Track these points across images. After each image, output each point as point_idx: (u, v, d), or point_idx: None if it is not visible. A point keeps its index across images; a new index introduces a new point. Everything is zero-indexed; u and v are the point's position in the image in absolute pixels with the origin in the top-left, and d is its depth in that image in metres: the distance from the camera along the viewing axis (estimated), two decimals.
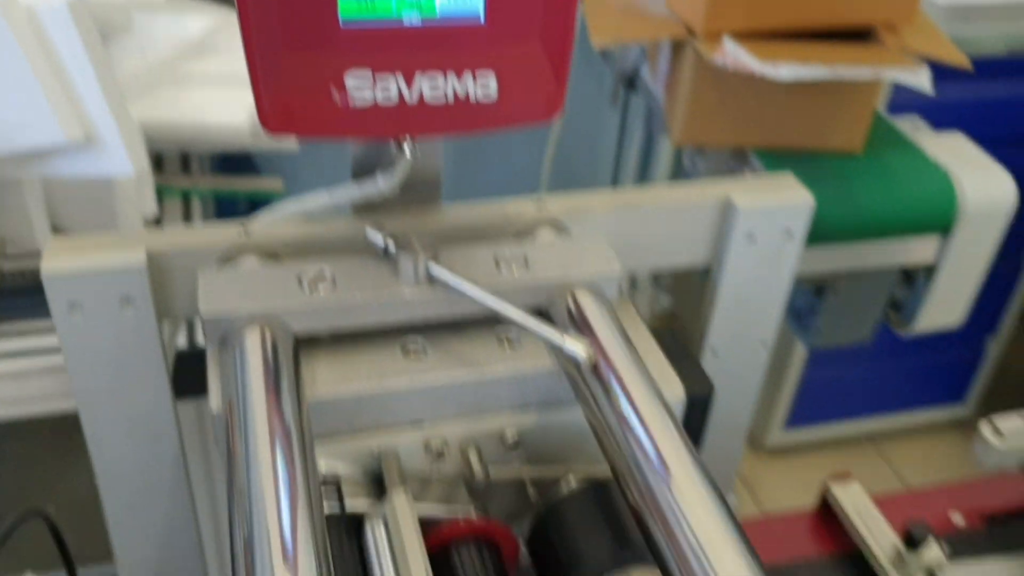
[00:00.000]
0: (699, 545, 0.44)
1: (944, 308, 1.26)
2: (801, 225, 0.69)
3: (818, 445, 2.30)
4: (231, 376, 0.52)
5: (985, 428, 0.86)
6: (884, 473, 2.22)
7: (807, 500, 2.54)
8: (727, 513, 0.46)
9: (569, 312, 0.57)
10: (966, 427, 2.33)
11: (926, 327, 1.29)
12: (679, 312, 2.11)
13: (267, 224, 0.60)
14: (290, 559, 0.41)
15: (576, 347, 0.52)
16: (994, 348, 2.24)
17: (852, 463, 2.33)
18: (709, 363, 0.75)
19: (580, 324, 0.56)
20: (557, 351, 0.53)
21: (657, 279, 1.99)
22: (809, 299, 1.25)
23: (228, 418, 0.50)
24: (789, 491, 2.24)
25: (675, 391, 0.61)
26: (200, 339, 0.87)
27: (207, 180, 1.21)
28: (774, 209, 0.67)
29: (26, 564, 0.87)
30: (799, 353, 2.06)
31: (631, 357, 0.54)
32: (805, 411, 2.19)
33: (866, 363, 2.20)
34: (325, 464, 0.56)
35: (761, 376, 0.77)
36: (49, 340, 0.92)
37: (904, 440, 2.29)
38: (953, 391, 2.31)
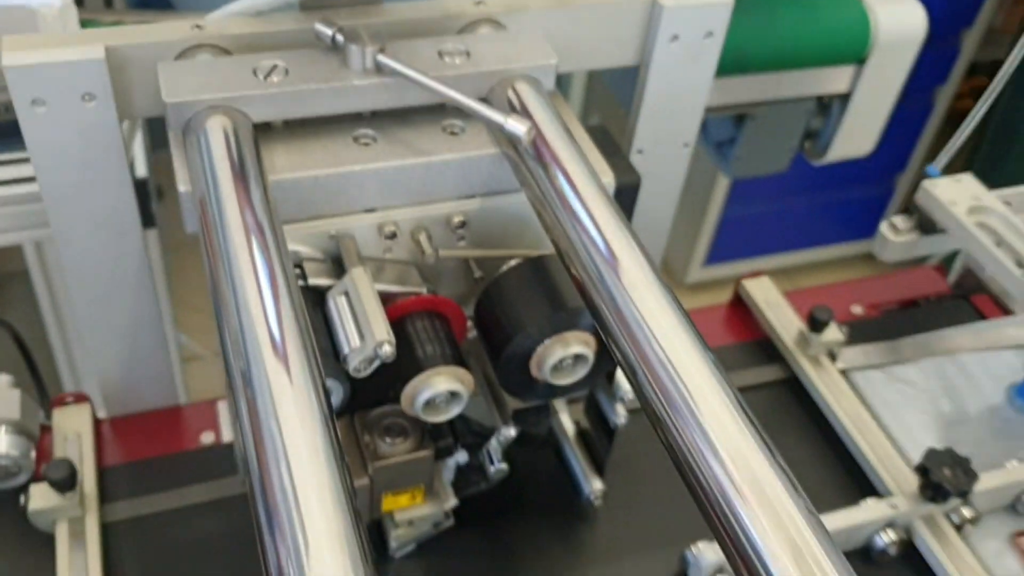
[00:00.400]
0: (639, 313, 0.50)
1: (856, 137, 1.34)
2: (721, 25, 0.74)
3: (736, 280, 2.42)
4: (197, 161, 0.56)
5: (884, 225, 0.94)
6: None
7: None
8: (661, 283, 0.52)
9: (509, 101, 0.62)
10: (876, 260, 2.45)
11: (839, 156, 1.37)
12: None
13: (219, 20, 0.62)
14: (279, 350, 0.46)
15: (517, 126, 0.57)
16: (902, 185, 2.35)
17: None
18: (636, 161, 0.81)
19: (520, 111, 0.61)
20: (499, 131, 0.58)
21: (588, 108, 2.03)
22: (729, 130, 1.31)
23: (200, 203, 0.54)
24: None
25: (606, 179, 0.66)
26: None
27: (131, 15, 1.20)
28: (697, 8, 0.71)
29: None
30: (719, 192, 2.14)
31: (567, 139, 0.60)
32: (723, 248, 2.28)
33: (782, 201, 2.29)
34: (290, 245, 0.61)
35: (683, 175, 0.83)
36: None
37: (818, 273, 2.40)
38: (864, 227, 2.42)
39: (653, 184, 0.81)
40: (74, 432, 0.75)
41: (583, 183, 0.57)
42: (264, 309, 0.48)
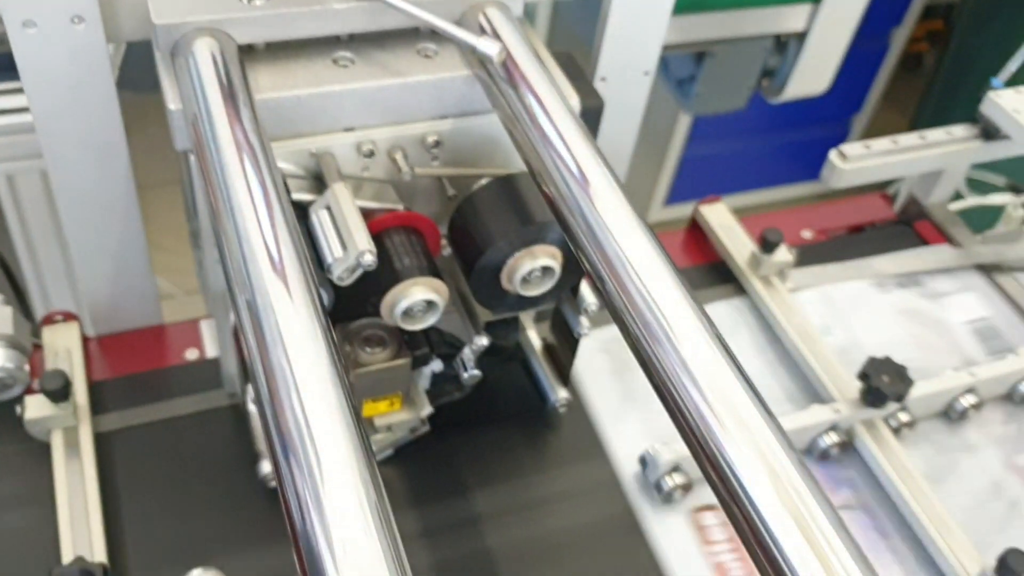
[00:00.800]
0: (607, 225, 0.54)
1: (812, 75, 1.38)
2: None
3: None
4: (187, 81, 0.59)
5: (833, 153, 0.99)
6: None
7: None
8: (627, 198, 0.56)
9: (480, 25, 0.65)
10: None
11: (796, 94, 1.42)
12: None
13: None
14: (278, 268, 0.49)
15: (489, 46, 0.61)
16: (858, 126, 2.41)
17: None
18: (599, 88, 0.85)
19: (491, 34, 0.64)
20: (471, 52, 0.62)
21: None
22: (690, 68, 1.35)
23: (192, 122, 0.57)
24: None
25: (571, 102, 0.70)
26: None
27: None
28: None
29: None
30: (679, 133, 2.18)
31: (536, 62, 0.63)
32: (683, 188, 2.33)
33: (740, 141, 2.34)
34: None
35: (644, 103, 0.87)
36: None
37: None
38: (820, 167, 2.48)
39: (616, 111, 0.85)
40: (64, 348, 0.78)
41: (552, 104, 0.61)
42: (259, 222, 0.51)
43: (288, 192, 0.63)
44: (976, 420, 0.87)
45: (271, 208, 0.52)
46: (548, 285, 0.69)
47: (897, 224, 1.07)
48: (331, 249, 0.61)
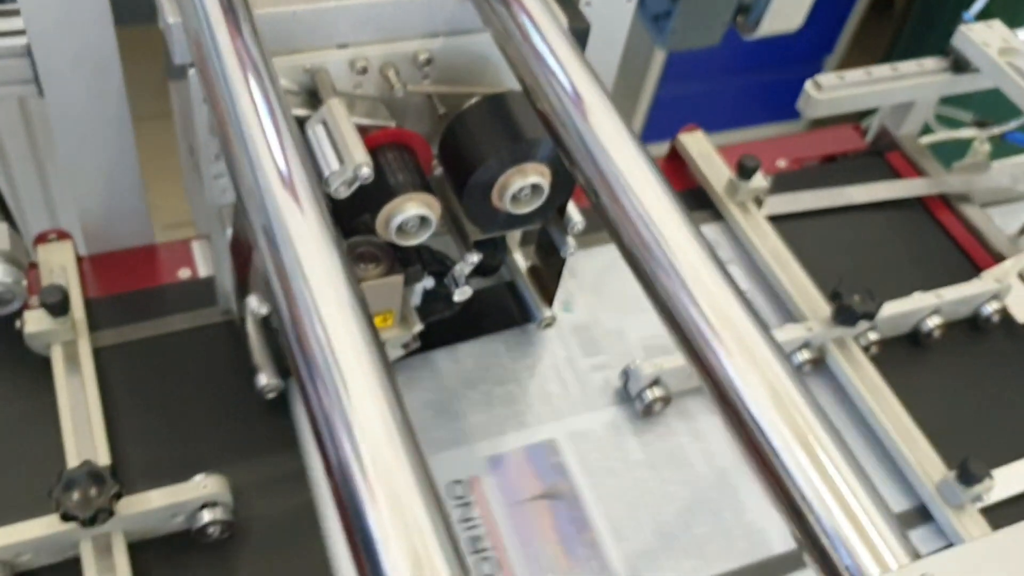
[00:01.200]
0: (602, 140, 0.55)
1: (786, 12, 1.40)
2: None
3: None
4: None
5: (809, 83, 1.02)
6: None
7: None
8: (618, 111, 0.58)
9: None
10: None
11: (769, 31, 1.43)
12: None
13: None
14: (287, 181, 0.51)
15: None
16: (830, 66, 2.43)
17: None
18: (584, 11, 0.86)
19: None
20: None
21: None
22: (666, 3, 1.36)
23: (194, 37, 0.58)
24: None
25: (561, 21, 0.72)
26: None
27: None
28: None
29: None
30: (653, 72, 2.19)
31: None
32: (657, 127, 2.35)
33: (714, 81, 2.36)
34: None
35: (625, 31, 0.89)
36: None
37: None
38: (792, 108, 2.51)
39: (598, 37, 0.86)
40: (59, 266, 0.80)
41: (544, 22, 0.62)
42: (265, 134, 0.52)
43: None
44: (943, 342, 0.91)
45: (276, 120, 0.53)
46: (537, 203, 0.71)
47: (869, 155, 1.10)
48: (328, 163, 0.63)
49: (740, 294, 0.49)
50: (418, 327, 0.78)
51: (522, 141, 0.68)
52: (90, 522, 0.62)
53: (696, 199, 1.00)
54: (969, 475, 0.75)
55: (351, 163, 0.61)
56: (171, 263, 0.85)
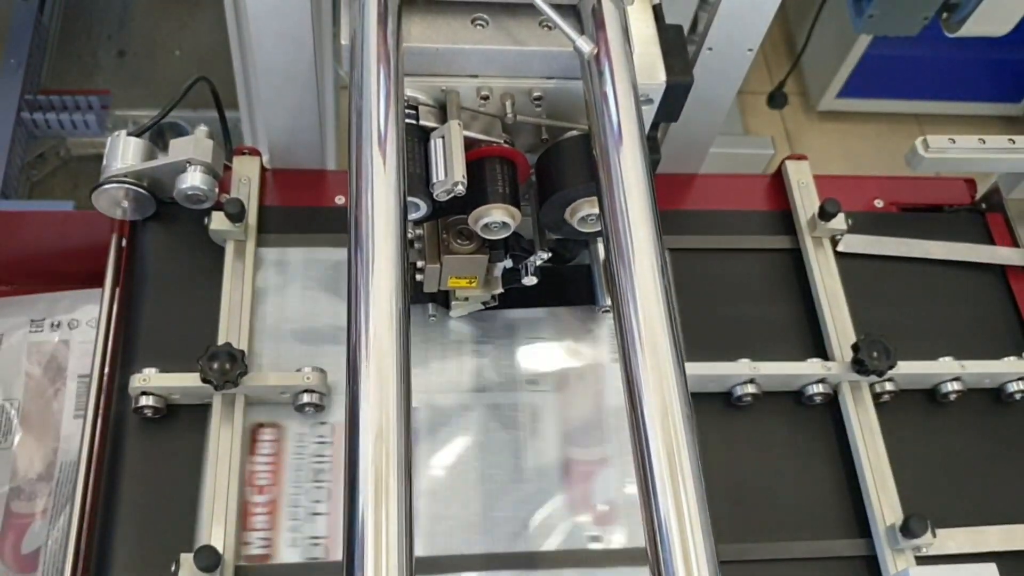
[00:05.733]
0: (624, 188, 0.72)
1: (995, 16, 1.44)
2: None
3: (866, 116, 2.49)
4: (355, 19, 0.78)
5: (918, 141, 1.09)
6: None
7: (841, 164, 2.76)
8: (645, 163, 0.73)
9: (592, 10, 0.81)
10: (1016, 124, 2.47)
11: (974, 31, 1.47)
12: None
13: None
14: (382, 142, 0.71)
15: (583, 44, 0.77)
16: None
17: (895, 138, 2.52)
18: (705, 57, 0.98)
19: (593, 27, 0.80)
20: (572, 42, 0.78)
21: None
22: None
23: (352, 50, 0.77)
24: (826, 153, 2.47)
25: (659, 76, 0.86)
26: None
27: None
28: None
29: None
30: None
31: (626, 60, 0.79)
32: (862, 83, 2.35)
33: (930, 48, 2.32)
34: (411, 91, 0.84)
35: (743, 74, 1.00)
36: None
37: (950, 126, 2.45)
38: (1010, 90, 2.43)
39: (716, 76, 0.99)
40: (246, 176, 1.03)
41: (624, 100, 0.77)
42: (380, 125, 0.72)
43: (417, 117, 0.84)
44: (958, 405, 1.02)
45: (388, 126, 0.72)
46: (599, 227, 0.87)
47: (969, 211, 1.17)
48: (437, 171, 0.81)
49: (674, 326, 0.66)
50: (498, 291, 0.97)
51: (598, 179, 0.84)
52: (219, 387, 0.87)
53: (784, 223, 1.11)
54: (909, 529, 0.89)
55: (451, 178, 0.79)
56: (334, 189, 1.07)
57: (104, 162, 0.99)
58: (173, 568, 0.81)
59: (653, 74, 0.86)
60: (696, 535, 0.60)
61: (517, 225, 0.86)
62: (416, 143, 0.82)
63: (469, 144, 0.84)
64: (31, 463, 1.08)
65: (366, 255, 0.66)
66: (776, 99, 2.36)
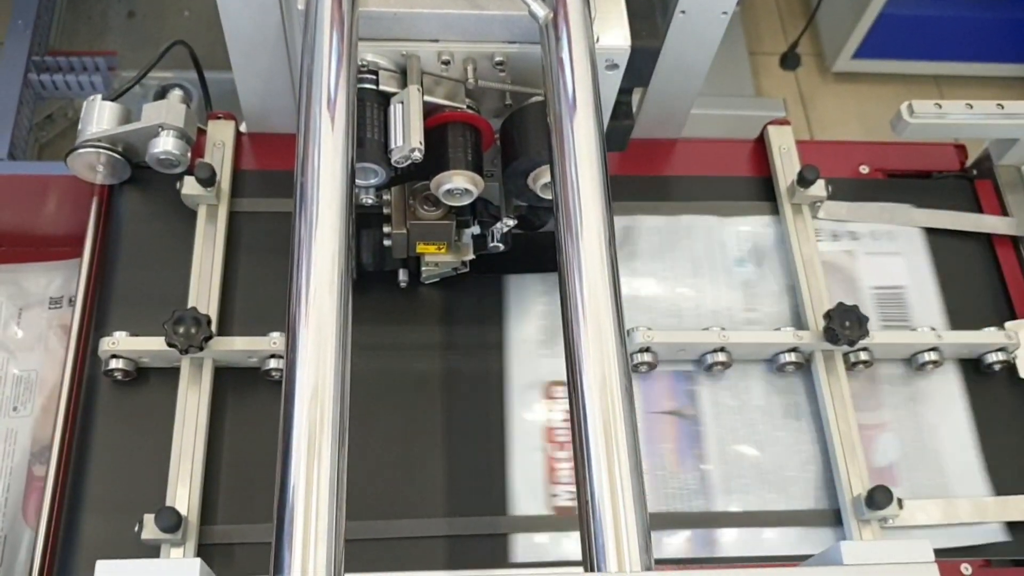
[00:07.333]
0: (575, 157, 0.72)
1: None
2: None
3: (883, 77, 2.43)
4: None
5: (903, 106, 1.07)
6: None
7: (856, 128, 2.71)
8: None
9: None
10: None
11: None
12: None
13: None
14: (331, 105, 0.71)
15: (537, 8, 0.76)
16: None
17: (911, 99, 2.48)
18: (679, 21, 0.96)
19: None
20: (527, 6, 0.77)
21: None
22: None
23: (305, 12, 0.76)
24: (841, 115, 2.42)
25: (624, 41, 0.84)
26: None
27: None
28: None
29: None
30: None
31: (584, 25, 0.78)
32: (878, 43, 2.30)
33: (950, 7, 2.26)
34: (371, 57, 0.83)
35: (719, 37, 0.98)
36: None
37: (968, 88, 2.39)
38: None
39: (691, 40, 0.97)
40: (220, 140, 1.03)
41: (580, 63, 0.76)
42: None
43: (377, 82, 0.83)
44: (937, 374, 1.01)
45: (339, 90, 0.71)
46: None
47: (958, 178, 1.14)
48: (395, 137, 0.81)
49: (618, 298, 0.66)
50: (468, 256, 0.97)
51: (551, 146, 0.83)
52: (184, 351, 0.88)
53: (766, 189, 1.10)
54: (873, 501, 0.88)
55: (408, 144, 0.79)
56: None
57: (80, 126, 0.99)
58: (136, 528, 0.83)
59: (618, 39, 0.84)
60: (628, 505, 0.60)
61: (481, 191, 0.85)
62: (376, 108, 0.82)
63: (432, 110, 0.83)
64: (50, 429, 1.10)
65: (310, 218, 0.66)
66: (789, 60, 2.32)
